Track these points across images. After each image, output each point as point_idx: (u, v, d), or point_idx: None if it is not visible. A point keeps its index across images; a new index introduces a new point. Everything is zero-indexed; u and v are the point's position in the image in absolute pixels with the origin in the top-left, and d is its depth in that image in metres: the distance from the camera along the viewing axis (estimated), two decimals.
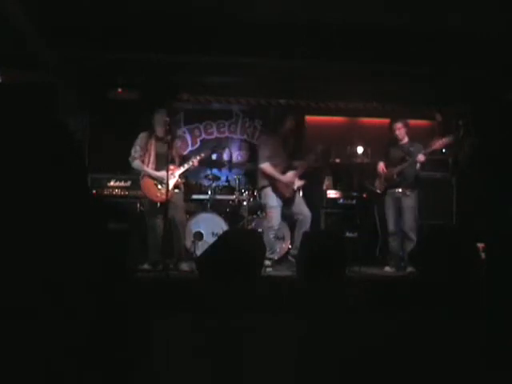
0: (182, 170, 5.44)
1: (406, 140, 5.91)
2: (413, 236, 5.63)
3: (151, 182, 5.42)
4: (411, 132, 6.07)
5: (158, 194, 5.37)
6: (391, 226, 5.82)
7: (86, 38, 5.57)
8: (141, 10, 5.36)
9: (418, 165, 5.76)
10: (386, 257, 6.05)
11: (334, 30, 5.66)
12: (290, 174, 5.73)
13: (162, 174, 5.35)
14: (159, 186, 5.39)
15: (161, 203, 5.36)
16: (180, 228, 5.44)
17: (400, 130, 5.90)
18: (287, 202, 5.75)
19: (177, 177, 5.40)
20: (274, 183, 5.66)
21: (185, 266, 5.37)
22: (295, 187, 5.74)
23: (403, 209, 5.73)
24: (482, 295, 3.58)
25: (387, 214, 5.86)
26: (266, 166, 5.69)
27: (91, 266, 1.45)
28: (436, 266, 4.26)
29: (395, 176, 5.77)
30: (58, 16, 5.23)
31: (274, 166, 5.70)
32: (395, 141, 5.95)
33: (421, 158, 5.62)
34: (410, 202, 5.72)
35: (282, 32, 5.58)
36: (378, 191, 5.96)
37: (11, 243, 1.33)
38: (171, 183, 5.35)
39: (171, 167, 5.32)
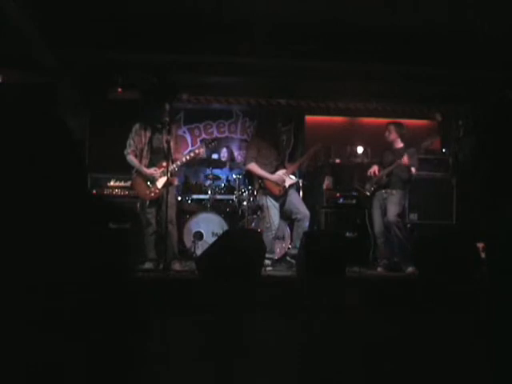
0: (173, 166, 5.33)
1: (399, 145, 5.81)
2: (396, 231, 5.53)
3: (141, 179, 5.40)
4: (410, 133, 6.01)
5: (147, 192, 5.35)
6: (377, 229, 5.77)
7: (86, 38, 5.56)
8: (141, 10, 5.36)
9: (413, 169, 5.69)
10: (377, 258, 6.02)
11: (334, 30, 5.66)
12: (278, 173, 5.75)
13: (151, 171, 5.34)
14: (149, 184, 5.36)
15: (150, 201, 5.35)
16: (170, 226, 5.33)
17: (389, 132, 5.83)
18: (280, 202, 5.76)
19: (168, 174, 5.25)
20: (264, 183, 5.69)
21: (177, 266, 5.31)
22: (286, 185, 5.75)
23: (387, 205, 5.67)
24: (482, 295, 3.58)
25: (374, 214, 5.80)
26: (251, 166, 5.75)
27: (91, 265, 1.45)
28: (436, 266, 4.26)
29: (384, 177, 5.73)
30: (58, 16, 5.23)
31: (263, 165, 5.73)
32: (390, 145, 5.89)
33: (405, 159, 5.53)
34: (394, 198, 5.65)
35: (282, 32, 5.58)
36: (368, 193, 5.92)
37: (10, 242, 1.33)
38: (162, 181, 5.32)
39: (163, 164, 5.30)
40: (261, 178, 5.71)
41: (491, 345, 2.69)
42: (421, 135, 7.32)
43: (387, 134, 5.86)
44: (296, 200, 5.84)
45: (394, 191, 5.68)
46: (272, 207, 5.69)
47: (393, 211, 5.62)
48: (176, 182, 5.69)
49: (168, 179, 5.24)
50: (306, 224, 5.71)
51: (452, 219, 6.72)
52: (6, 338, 1.31)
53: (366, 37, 5.69)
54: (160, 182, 5.32)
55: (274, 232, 5.73)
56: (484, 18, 5.31)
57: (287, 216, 6.09)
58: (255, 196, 6.46)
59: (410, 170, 5.69)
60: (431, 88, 6.88)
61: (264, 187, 5.71)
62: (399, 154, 5.69)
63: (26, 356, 1.32)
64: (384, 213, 5.72)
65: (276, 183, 5.70)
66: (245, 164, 5.98)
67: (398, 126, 5.90)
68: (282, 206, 5.79)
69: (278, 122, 6.01)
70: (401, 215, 5.69)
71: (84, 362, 1.42)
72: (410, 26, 5.56)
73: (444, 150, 7.42)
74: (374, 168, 5.85)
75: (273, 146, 5.83)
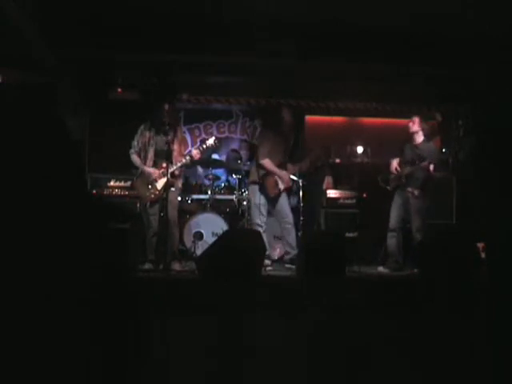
0: (173, 168, 5.33)
1: (420, 140, 5.78)
2: (419, 237, 5.55)
3: (142, 180, 5.42)
4: (431, 133, 5.99)
5: (147, 194, 5.37)
6: (392, 223, 5.75)
7: (86, 38, 5.57)
8: (141, 10, 5.36)
9: (432, 167, 5.68)
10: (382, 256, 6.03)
11: (334, 30, 5.67)
12: (285, 172, 5.79)
13: (150, 170, 5.35)
14: (149, 185, 5.38)
15: (151, 202, 5.36)
16: (172, 227, 5.35)
17: (413, 123, 5.78)
18: (271, 202, 5.77)
19: (168, 175, 5.26)
20: (262, 181, 5.68)
21: (177, 266, 5.31)
22: (281, 188, 5.76)
23: (411, 210, 5.65)
24: (482, 295, 3.58)
25: (391, 210, 5.78)
26: (266, 162, 5.72)
27: (91, 266, 1.45)
28: (436, 266, 4.26)
29: (403, 178, 5.72)
30: (58, 16, 5.23)
31: (273, 162, 5.75)
32: (410, 139, 5.85)
33: (425, 164, 5.58)
34: (418, 203, 5.63)
35: (282, 32, 5.58)
36: (389, 188, 5.90)
37: (9, 242, 1.33)
38: (162, 182, 5.33)
39: (163, 165, 5.30)
40: (270, 173, 5.68)
41: (491, 345, 2.69)
42: None
43: (411, 125, 5.82)
44: (286, 206, 5.86)
45: (416, 192, 5.64)
46: (260, 206, 5.66)
47: (418, 219, 5.60)
48: (179, 184, 5.68)
49: (168, 180, 5.25)
50: (293, 232, 5.76)
51: (452, 219, 6.72)
52: (5, 338, 1.31)
53: (366, 37, 5.69)
54: (160, 184, 5.33)
55: (262, 229, 5.65)
56: (484, 18, 5.31)
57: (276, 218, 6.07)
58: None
59: (428, 170, 5.69)
60: (431, 88, 6.88)
61: (263, 184, 5.69)
62: (417, 152, 5.70)
63: (26, 356, 1.32)
64: (404, 212, 5.71)
65: (275, 184, 5.70)
66: (258, 159, 5.84)
67: (424, 121, 5.88)
68: (273, 206, 5.80)
69: (286, 116, 5.97)
70: (424, 220, 5.67)
71: (84, 362, 1.42)
72: (409, 26, 5.56)
73: (444, 150, 7.42)
74: (395, 163, 5.80)
75: (281, 144, 5.84)
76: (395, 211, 5.76)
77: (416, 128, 5.79)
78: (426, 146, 5.77)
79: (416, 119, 5.82)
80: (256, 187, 5.75)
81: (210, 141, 5.64)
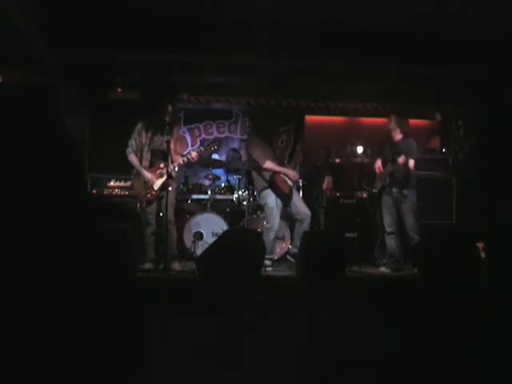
0: (170, 168, 5.31)
1: (398, 136, 5.79)
2: (415, 236, 5.56)
3: (139, 180, 5.42)
4: (410, 131, 5.99)
5: (144, 193, 5.37)
6: (388, 226, 5.74)
7: (86, 38, 5.57)
8: (141, 10, 5.36)
9: (412, 164, 5.58)
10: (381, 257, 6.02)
11: (334, 30, 5.67)
12: (285, 168, 5.78)
13: (148, 175, 5.35)
14: (145, 185, 5.37)
15: (147, 202, 5.36)
16: (170, 226, 5.35)
17: (389, 121, 5.81)
18: (286, 201, 5.74)
19: (165, 176, 5.28)
20: (272, 183, 5.66)
21: (177, 266, 5.32)
22: (291, 184, 5.75)
23: (402, 210, 5.64)
24: (482, 295, 3.58)
25: (384, 212, 5.77)
26: (269, 164, 5.69)
27: (91, 266, 1.45)
28: (436, 266, 4.26)
29: (387, 177, 5.72)
30: (58, 16, 5.23)
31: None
32: (390, 138, 5.87)
33: (401, 160, 5.50)
34: (408, 203, 5.62)
35: (282, 32, 5.58)
36: (374, 190, 5.92)
37: (9, 241, 1.33)
38: (159, 183, 5.32)
39: (161, 166, 5.30)
40: (276, 173, 5.66)
41: (491, 345, 2.69)
42: (421, 135, 7.32)
43: (388, 123, 5.87)
44: (297, 200, 5.84)
45: (404, 191, 5.63)
46: (275, 207, 5.66)
47: (411, 219, 5.59)
48: (176, 184, 5.66)
49: (166, 180, 5.25)
50: (308, 224, 5.71)
51: (452, 219, 6.72)
52: (6, 337, 1.31)
53: (366, 37, 5.69)
54: (157, 184, 5.34)
55: (274, 233, 5.71)
56: (484, 18, 5.32)
57: (288, 216, 6.08)
58: (255, 195, 6.44)
59: (408, 169, 5.60)
60: (431, 88, 6.88)
61: (274, 185, 5.67)
62: (397, 149, 5.68)
63: (26, 355, 1.32)
64: (397, 213, 5.69)
65: (285, 180, 5.68)
66: (259, 163, 5.77)
67: (400, 118, 5.87)
68: (284, 207, 5.78)
69: (275, 122, 5.99)
70: (417, 218, 5.67)
71: (84, 361, 1.42)
72: (409, 25, 5.56)
73: (444, 150, 7.42)
74: (378, 163, 5.82)
75: (270, 145, 5.82)
76: (388, 214, 5.75)
77: (393, 126, 5.81)
78: (405, 142, 5.75)
79: (393, 117, 5.85)
80: (268, 191, 5.69)
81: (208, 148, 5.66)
